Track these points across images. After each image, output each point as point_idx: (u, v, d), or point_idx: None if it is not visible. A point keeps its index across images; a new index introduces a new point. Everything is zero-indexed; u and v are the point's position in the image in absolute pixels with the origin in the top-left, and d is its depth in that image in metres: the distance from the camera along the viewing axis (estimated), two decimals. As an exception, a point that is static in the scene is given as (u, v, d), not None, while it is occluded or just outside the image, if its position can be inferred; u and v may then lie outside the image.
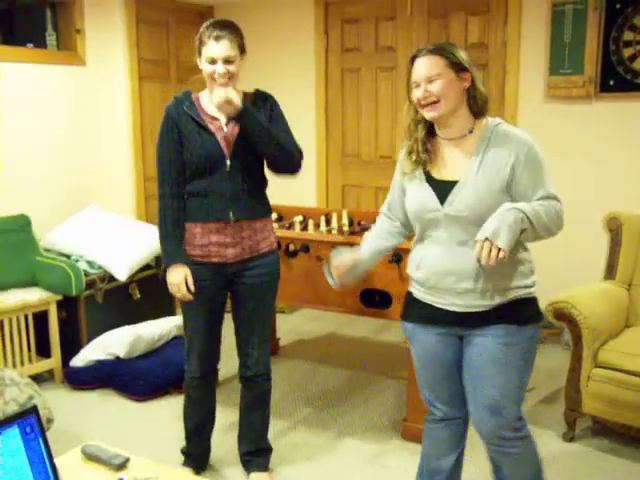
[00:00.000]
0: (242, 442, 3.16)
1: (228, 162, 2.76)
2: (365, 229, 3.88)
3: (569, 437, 3.45)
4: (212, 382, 3.13)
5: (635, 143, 4.39)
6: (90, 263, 4.31)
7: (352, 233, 3.84)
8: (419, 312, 2.42)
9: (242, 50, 2.75)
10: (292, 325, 5.20)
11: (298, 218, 4.06)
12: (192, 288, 2.81)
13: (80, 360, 4.12)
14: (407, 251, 3.22)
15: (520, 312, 2.28)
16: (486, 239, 2.08)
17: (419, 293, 2.41)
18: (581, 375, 3.33)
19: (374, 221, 3.95)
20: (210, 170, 2.76)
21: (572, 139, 4.55)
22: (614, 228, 3.75)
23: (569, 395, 3.42)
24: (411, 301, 2.46)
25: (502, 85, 4.83)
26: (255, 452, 3.13)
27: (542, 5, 4.57)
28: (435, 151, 2.34)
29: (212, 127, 2.77)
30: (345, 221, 4.01)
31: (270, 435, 3.21)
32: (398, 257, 3.25)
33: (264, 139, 2.73)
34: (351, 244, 3.39)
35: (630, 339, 3.42)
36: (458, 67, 2.23)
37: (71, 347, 4.17)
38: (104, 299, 4.29)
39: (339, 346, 4.89)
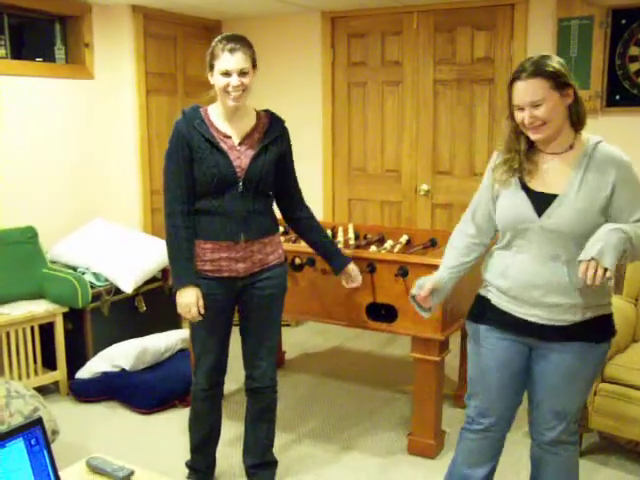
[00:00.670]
0: (247, 455, 3.15)
1: (240, 184, 2.74)
2: (371, 243, 3.89)
3: (576, 452, 3.43)
4: (219, 395, 3.11)
5: (641, 158, 4.38)
6: (96, 275, 4.32)
7: (358, 247, 3.84)
8: (495, 317, 2.41)
9: (254, 64, 2.75)
10: (298, 338, 5.19)
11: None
12: (202, 311, 2.79)
13: (86, 372, 4.12)
14: (414, 265, 3.26)
15: (599, 330, 2.32)
16: (592, 259, 2.07)
17: (498, 300, 2.40)
18: (588, 390, 3.32)
19: (380, 234, 4.03)
20: (222, 190, 2.74)
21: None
22: (621, 243, 3.73)
23: (576, 410, 3.40)
24: (486, 305, 2.44)
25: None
26: (260, 465, 3.12)
27: (548, 20, 4.59)
28: (533, 163, 2.32)
29: (225, 146, 2.74)
30: (351, 235, 4.02)
31: (275, 448, 3.20)
32: (404, 271, 3.25)
33: None
34: (358, 258, 3.41)
35: (637, 354, 3.40)
36: (561, 85, 2.19)
37: (77, 359, 4.18)
38: (110, 311, 4.30)
39: (345, 360, 4.88)
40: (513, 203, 2.32)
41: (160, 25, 5.28)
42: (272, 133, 2.82)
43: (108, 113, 5.07)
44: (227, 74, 2.66)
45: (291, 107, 5.53)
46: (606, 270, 2.05)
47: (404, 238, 3.90)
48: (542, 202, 2.25)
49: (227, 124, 2.78)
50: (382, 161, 5.44)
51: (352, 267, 3.10)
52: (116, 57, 5.05)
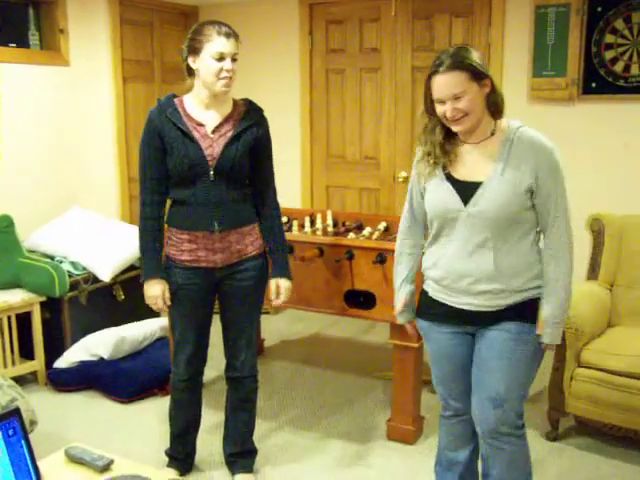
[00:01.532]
0: (227, 443, 3.15)
1: (212, 172, 2.71)
2: (349, 230, 3.89)
3: (552, 436, 3.47)
4: (199, 385, 3.11)
5: (617, 144, 4.43)
6: (74, 264, 4.29)
7: (336, 234, 3.84)
8: (434, 310, 2.44)
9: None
10: (277, 326, 5.20)
11: (282, 219, 4.05)
12: (169, 302, 2.85)
13: (64, 362, 4.10)
14: (392, 252, 3.26)
15: (533, 311, 2.31)
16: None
17: (433, 291, 2.43)
18: (564, 375, 3.36)
19: (358, 221, 4.03)
20: (194, 179, 2.72)
21: (555, 141, 4.54)
22: (597, 229, 3.78)
23: (552, 395, 3.45)
24: (425, 299, 2.48)
25: (486, 86, 4.86)
26: (240, 453, 3.13)
27: (525, 7, 4.60)
28: (455, 153, 2.34)
29: (197, 134, 2.72)
30: (329, 222, 4.02)
31: (255, 436, 3.20)
32: (382, 258, 3.26)
33: None
34: (336, 245, 3.41)
35: (612, 339, 3.45)
36: (479, 76, 2.21)
37: (55, 349, 4.15)
38: (88, 300, 4.28)
39: (324, 347, 4.90)
40: (439, 194, 2.34)
41: (136, 11, 5.23)
42: (247, 121, 2.78)
43: (84, 101, 5.02)
44: (222, 58, 2.64)
45: (269, 94, 5.51)
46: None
47: (382, 225, 3.91)
48: (467, 191, 2.27)
49: (202, 112, 2.75)
50: (360, 148, 5.44)
51: (285, 285, 2.94)
52: (92, 43, 5.00)
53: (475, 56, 2.23)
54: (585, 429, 3.53)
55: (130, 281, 4.51)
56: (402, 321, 2.60)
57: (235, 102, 2.84)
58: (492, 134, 2.29)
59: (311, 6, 5.40)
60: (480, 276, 2.27)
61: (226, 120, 2.77)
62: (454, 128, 2.27)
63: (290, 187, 5.56)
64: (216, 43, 2.63)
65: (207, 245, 2.78)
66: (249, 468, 3.14)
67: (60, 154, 4.89)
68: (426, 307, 2.48)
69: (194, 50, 2.68)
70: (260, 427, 3.51)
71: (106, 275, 4.29)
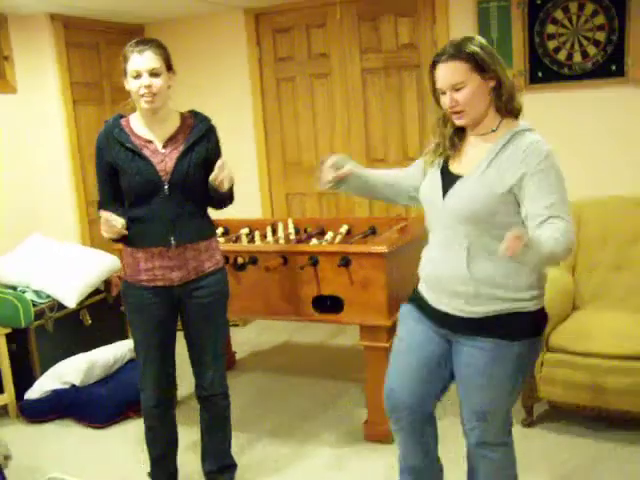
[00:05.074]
0: (205, 462, 3.13)
1: (166, 187, 2.71)
2: (311, 236, 3.91)
3: (528, 423, 3.52)
4: (170, 410, 3.07)
5: (565, 131, 4.51)
6: (37, 293, 4.23)
7: (299, 241, 3.86)
8: (419, 302, 2.41)
9: (169, 67, 2.73)
10: (247, 337, 5.19)
11: (244, 230, 4.07)
12: (120, 220, 2.68)
13: (35, 392, 4.04)
14: (356, 255, 3.29)
15: (511, 327, 2.21)
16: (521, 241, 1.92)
17: (420, 288, 2.42)
18: (534, 361, 3.41)
19: (320, 227, 4.05)
20: (149, 196, 2.71)
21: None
22: (554, 215, 3.83)
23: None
24: (414, 292, 2.46)
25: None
26: (219, 470, 3.11)
27: (467, 4, 4.67)
28: (461, 146, 2.31)
29: (147, 152, 2.71)
30: (291, 230, 4.04)
31: (233, 450, 3.19)
32: (346, 261, 3.28)
33: (226, 201, 2.87)
34: (299, 252, 3.43)
35: (578, 322, 3.52)
36: (482, 68, 2.16)
37: (24, 380, 4.09)
38: (55, 328, 4.23)
39: (295, 354, 4.91)
40: (428, 184, 2.35)
41: (81, 33, 5.19)
42: (197, 133, 2.78)
43: (35, 127, 4.97)
44: (138, 75, 2.64)
45: (221, 107, 5.50)
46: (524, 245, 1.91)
47: (344, 228, 3.94)
48: (450, 182, 2.25)
49: (148, 129, 2.75)
50: (317, 153, 5.45)
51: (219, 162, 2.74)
52: (38, 69, 4.95)
53: (480, 48, 2.17)
54: (559, 413, 3.59)
55: (96, 305, 4.48)
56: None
57: (182, 115, 2.84)
58: (494, 131, 2.24)
59: (257, 16, 5.41)
60: (454, 276, 2.23)
61: (175, 134, 2.77)
62: (456, 121, 2.24)
63: (250, 198, 5.56)
64: (131, 62, 2.66)
65: (163, 263, 2.77)
66: None
67: (15, 183, 4.83)
68: (414, 297, 2.45)
69: (123, 72, 2.72)
70: (238, 440, 3.50)
71: (71, 301, 4.24)
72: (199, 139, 2.78)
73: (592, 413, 3.42)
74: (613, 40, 4.33)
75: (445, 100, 2.21)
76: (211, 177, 2.68)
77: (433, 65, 2.23)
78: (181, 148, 2.74)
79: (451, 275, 2.24)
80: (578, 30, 4.41)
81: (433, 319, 2.36)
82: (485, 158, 2.20)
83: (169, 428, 3.09)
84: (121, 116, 2.82)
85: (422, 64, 4.97)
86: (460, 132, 2.33)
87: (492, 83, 2.20)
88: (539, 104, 4.55)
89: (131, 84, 2.67)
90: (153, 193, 2.71)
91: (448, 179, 2.27)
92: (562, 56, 4.46)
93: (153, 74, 2.65)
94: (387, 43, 5.07)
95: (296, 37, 5.36)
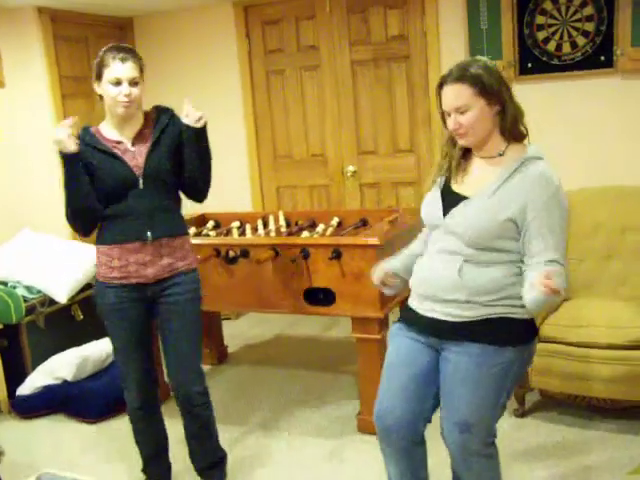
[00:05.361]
0: (195, 461, 3.08)
1: (141, 181, 2.76)
2: (302, 229, 3.91)
3: (520, 413, 3.54)
4: (156, 410, 3.06)
5: (556, 121, 4.52)
6: (28, 288, 4.22)
7: (290, 234, 3.86)
8: (406, 315, 2.40)
9: (142, 76, 2.79)
10: (239, 331, 5.19)
11: (235, 224, 4.06)
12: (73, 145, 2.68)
13: (27, 388, 4.03)
14: (347, 247, 3.29)
15: (501, 332, 2.20)
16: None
17: (411, 300, 2.40)
18: (525, 351, 3.42)
19: (311, 219, 4.05)
20: (125, 192, 2.76)
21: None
22: (544, 206, 3.85)
23: (516, 372, 3.51)
24: (404, 307, 2.45)
25: (425, 75, 4.93)
26: (210, 466, 3.07)
27: (457, -6, 4.67)
28: (466, 167, 2.32)
29: (118, 151, 2.77)
30: (282, 222, 4.04)
31: (227, 442, 3.20)
32: (338, 253, 3.28)
33: (206, 160, 2.85)
34: (291, 245, 3.43)
35: (569, 312, 3.52)
36: (488, 93, 2.15)
37: (16, 376, 4.07)
38: (46, 323, 4.21)
39: (287, 347, 4.91)
40: (428, 201, 2.36)
41: (70, 27, 5.16)
42: (161, 125, 2.83)
43: (24, 121, 4.94)
44: (118, 82, 2.69)
45: (211, 100, 5.48)
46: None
47: (335, 221, 3.94)
48: (452, 202, 2.26)
49: (116, 131, 2.81)
50: (307, 146, 5.46)
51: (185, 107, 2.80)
52: (26, 62, 4.91)
53: (483, 69, 2.16)
54: (551, 402, 3.62)
55: (87, 300, 4.45)
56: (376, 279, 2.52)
57: (145, 113, 2.89)
58: (501, 155, 2.23)
59: (246, 8, 5.39)
60: (444, 283, 2.22)
61: (141, 131, 2.83)
62: (458, 141, 2.26)
63: (240, 191, 5.56)
64: (112, 69, 2.69)
65: (138, 259, 2.78)
66: (221, 477, 3.10)
67: (4, 177, 4.81)
68: (402, 312, 2.45)
69: (97, 76, 2.76)
70: (231, 432, 3.51)
71: (62, 296, 4.23)
72: (164, 129, 2.83)
73: (583, 402, 3.45)
74: (602, 31, 4.34)
75: (450, 122, 2.22)
76: (183, 114, 2.77)
77: (440, 86, 2.23)
78: (149, 143, 2.80)
79: (442, 281, 2.23)
80: (567, 21, 4.41)
81: (422, 330, 2.33)
82: (494, 182, 2.19)
83: (157, 428, 3.09)
84: (88, 126, 2.88)
85: (411, 56, 4.97)
86: (466, 152, 2.33)
87: (497, 107, 2.20)
88: (528, 95, 4.54)
89: (109, 90, 2.72)
90: (128, 189, 2.76)
91: (451, 198, 2.28)
92: (551, 47, 4.47)
93: (133, 83, 2.72)
94: (376, 35, 5.07)
95: (285, 29, 5.34)
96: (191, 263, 2.92)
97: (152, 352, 3.00)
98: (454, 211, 2.24)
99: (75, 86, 5.22)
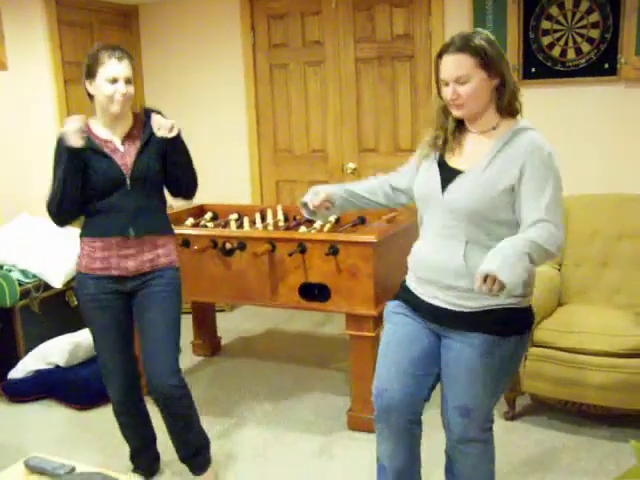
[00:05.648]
0: (178, 452, 3.05)
1: (128, 181, 2.77)
2: (300, 224, 3.91)
3: (510, 416, 3.55)
4: (139, 403, 3.05)
5: (558, 127, 4.52)
6: (24, 272, 4.21)
7: (287, 228, 3.86)
8: (406, 296, 2.39)
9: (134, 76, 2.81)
10: (232, 324, 5.19)
11: (233, 216, 4.06)
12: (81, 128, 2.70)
13: (19, 372, 4.03)
14: (344, 243, 3.30)
15: (503, 323, 2.21)
16: (487, 275, 1.93)
17: (409, 281, 2.39)
18: (518, 355, 3.43)
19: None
20: (111, 190, 2.77)
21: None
22: (542, 211, 3.85)
23: (507, 375, 3.52)
24: (402, 287, 2.43)
25: (429, 75, 4.92)
26: (192, 455, 3.03)
27: (463, -5, 4.67)
28: (460, 140, 2.29)
29: (108, 150, 2.78)
30: (280, 217, 4.04)
31: (216, 435, 3.20)
32: (334, 250, 3.28)
33: (187, 166, 2.86)
34: (288, 239, 3.43)
35: (563, 317, 3.53)
36: (488, 65, 2.14)
37: (8, 359, 4.08)
38: (40, 308, 4.21)
39: (281, 341, 4.91)
40: (424, 177, 2.33)
41: (74, 12, 5.15)
42: (151, 127, 2.82)
43: (26, 105, 4.93)
44: (114, 81, 2.70)
45: (213, 91, 5.49)
46: (503, 285, 1.91)
47: (333, 217, 3.93)
48: (449, 177, 2.24)
49: (107, 131, 2.82)
50: (308, 141, 5.46)
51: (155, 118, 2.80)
52: (30, 47, 4.90)
53: (486, 41, 2.14)
54: (541, 406, 3.62)
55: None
56: (306, 200, 2.46)
57: (134, 114, 2.90)
58: (494, 128, 2.22)
59: (252, 1, 5.38)
60: (448, 269, 2.20)
61: (131, 131, 2.84)
62: (453, 112, 2.23)
63: (239, 184, 5.55)
64: (108, 67, 2.70)
65: (120, 252, 2.80)
66: (204, 465, 3.06)
67: (3, 161, 4.79)
68: (400, 292, 2.43)
69: (90, 74, 2.75)
70: (222, 424, 3.51)
71: (57, 281, 4.23)
72: (153, 132, 2.81)
73: (574, 408, 3.45)
74: (607, 38, 4.34)
75: (447, 91, 2.19)
76: (155, 128, 2.74)
77: (439, 55, 2.21)
78: (138, 144, 2.82)
79: (447, 267, 2.21)
80: (572, 27, 4.42)
81: (423, 314, 2.33)
82: (487, 155, 2.19)
83: (142, 421, 3.10)
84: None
85: (416, 55, 4.97)
86: (460, 125, 2.31)
87: (496, 81, 2.19)
88: (531, 99, 4.54)
89: (104, 88, 2.71)
90: (115, 188, 2.77)
91: (447, 173, 2.26)
92: (556, 52, 4.47)
93: (128, 81, 2.74)
94: (382, 33, 5.06)
95: (291, 24, 5.33)
96: (173, 262, 2.93)
97: (133, 349, 2.99)
98: (451, 187, 2.22)
99: (78, 72, 5.15)
